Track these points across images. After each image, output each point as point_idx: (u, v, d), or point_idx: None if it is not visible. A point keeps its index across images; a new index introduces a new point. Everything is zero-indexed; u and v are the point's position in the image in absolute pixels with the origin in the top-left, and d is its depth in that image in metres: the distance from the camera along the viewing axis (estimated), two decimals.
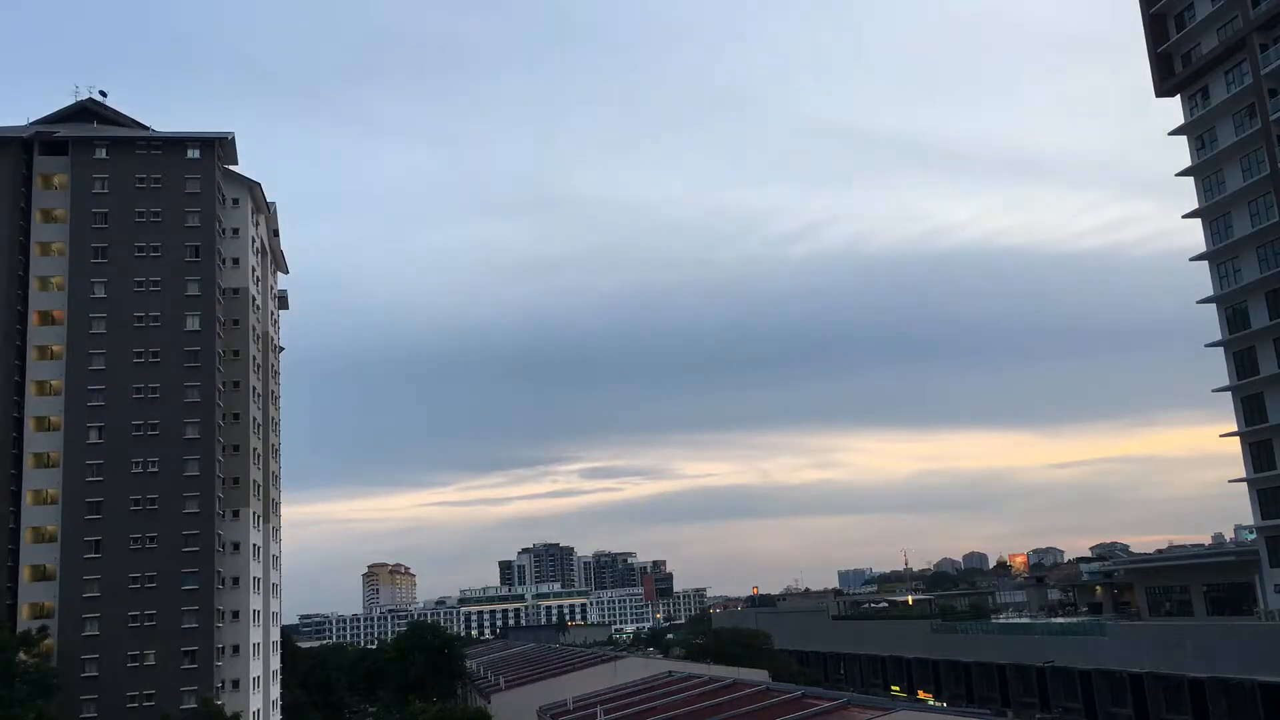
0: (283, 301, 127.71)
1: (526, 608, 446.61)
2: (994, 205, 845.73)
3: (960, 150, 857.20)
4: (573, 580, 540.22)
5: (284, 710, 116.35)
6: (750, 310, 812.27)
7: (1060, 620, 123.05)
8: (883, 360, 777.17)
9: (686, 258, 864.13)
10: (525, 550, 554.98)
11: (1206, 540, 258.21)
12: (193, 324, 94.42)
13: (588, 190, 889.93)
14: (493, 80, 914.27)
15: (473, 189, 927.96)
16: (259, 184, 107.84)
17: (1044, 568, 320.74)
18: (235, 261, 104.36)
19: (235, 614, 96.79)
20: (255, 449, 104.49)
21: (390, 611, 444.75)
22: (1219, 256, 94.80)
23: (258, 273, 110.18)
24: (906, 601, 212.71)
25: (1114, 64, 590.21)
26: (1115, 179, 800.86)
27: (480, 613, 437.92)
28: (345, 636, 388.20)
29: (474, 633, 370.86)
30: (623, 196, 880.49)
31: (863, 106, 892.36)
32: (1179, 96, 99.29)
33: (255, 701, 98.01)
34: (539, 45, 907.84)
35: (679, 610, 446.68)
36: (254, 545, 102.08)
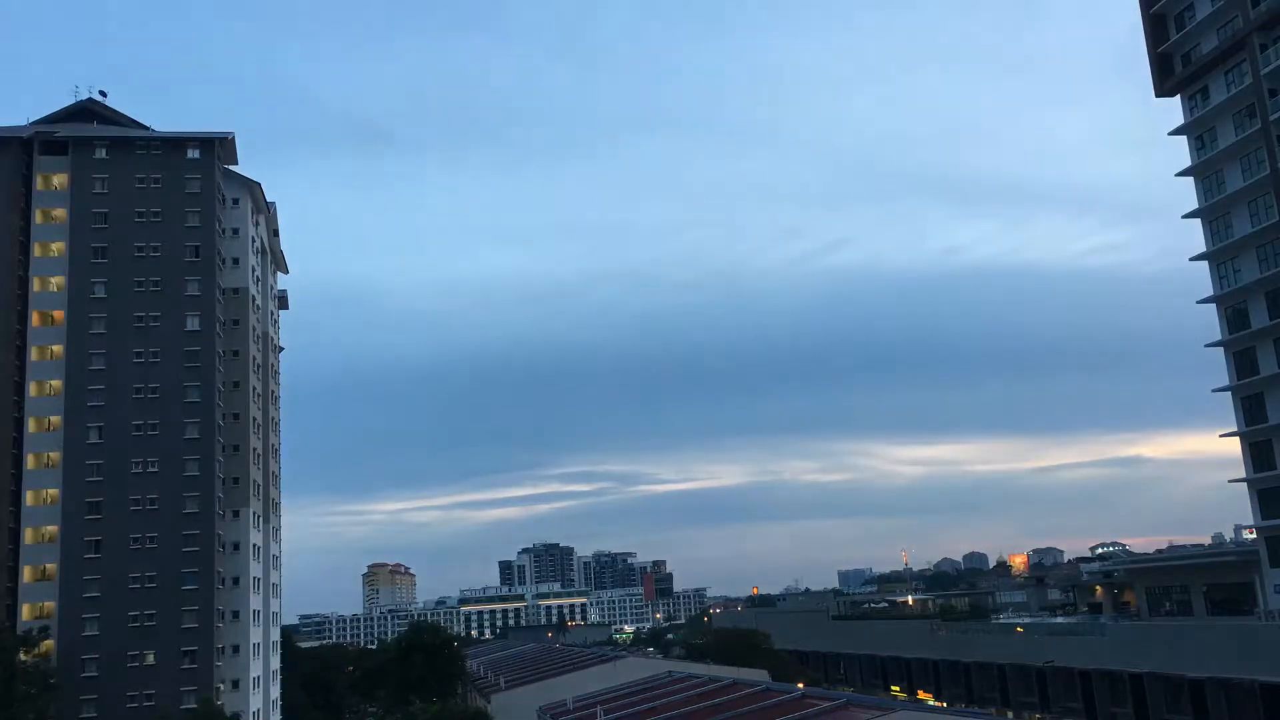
0: (283, 301, 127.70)
1: (526, 608, 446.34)
2: (1002, 226, 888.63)
3: (970, 175, 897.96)
4: (572, 580, 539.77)
5: (284, 710, 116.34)
6: (763, 325, 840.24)
7: (1060, 620, 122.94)
8: (893, 372, 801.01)
9: (703, 275, 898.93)
10: (525, 550, 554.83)
11: (1206, 540, 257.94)
12: (193, 324, 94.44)
13: (606, 215, 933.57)
14: (514, 112, 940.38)
15: (487, 216, 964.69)
16: (259, 184, 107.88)
17: (1044, 568, 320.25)
18: (235, 261, 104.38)
19: (235, 614, 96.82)
20: (255, 449, 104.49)
21: (390, 611, 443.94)
22: (1219, 256, 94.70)
23: (258, 273, 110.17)
24: (906, 601, 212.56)
25: (1118, 92, 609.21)
26: (1118, 201, 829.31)
27: (480, 613, 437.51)
28: (345, 636, 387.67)
29: (474, 633, 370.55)
30: (638, 220, 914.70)
31: (873, 134, 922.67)
32: (1179, 97, 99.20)
33: (255, 701, 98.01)
34: (565, 80, 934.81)
35: (679, 610, 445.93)
36: (254, 545, 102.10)
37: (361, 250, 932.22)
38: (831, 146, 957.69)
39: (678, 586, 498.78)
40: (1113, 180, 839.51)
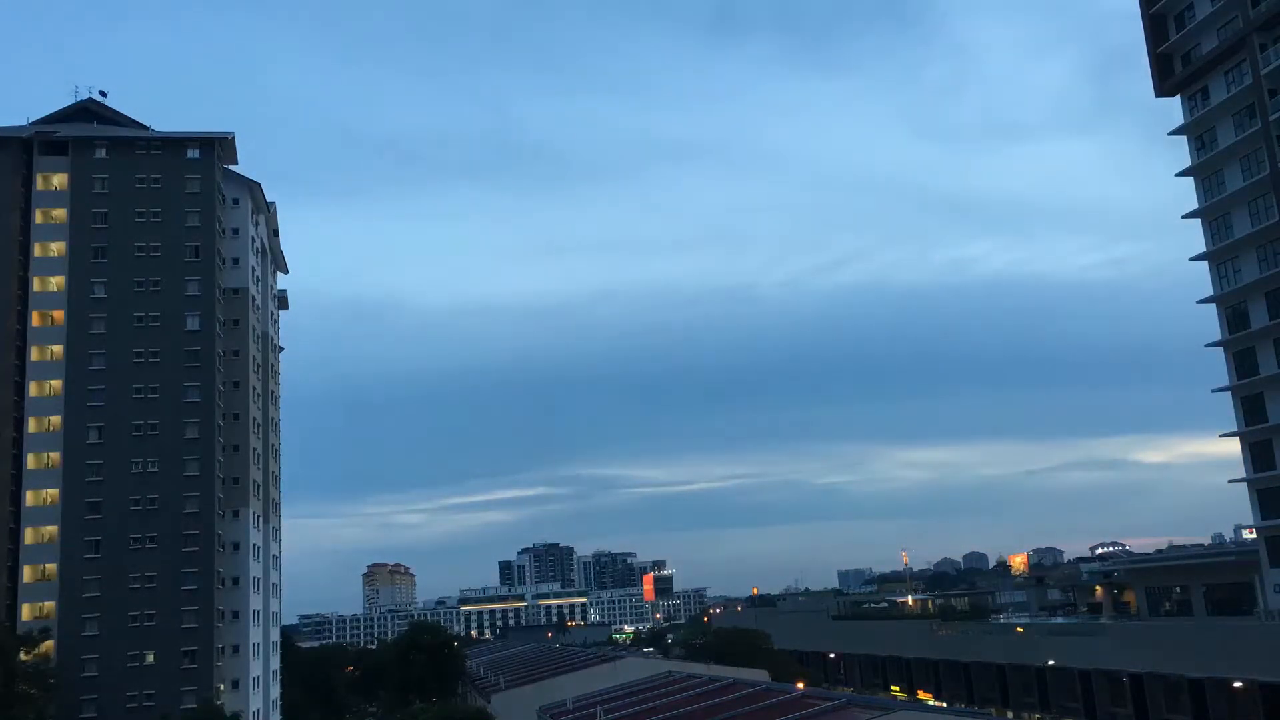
0: (283, 301, 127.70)
1: (526, 608, 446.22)
2: (1006, 243, 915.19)
3: (976, 193, 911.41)
4: (572, 580, 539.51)
5: (284, 710, 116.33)
6: (769, 333, 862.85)
7: (1060, 620, 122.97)
8: (896, 378, 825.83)
9: (713, 289, 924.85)
10: (525, 550, 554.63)
11: (1206, 540, 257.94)
12: (193, 324, 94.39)
13: (616, 235, 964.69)
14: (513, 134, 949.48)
15: (499, 235, 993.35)
16: (259, 184, 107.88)
17: (1044, 568, 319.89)
18: (235, 261, 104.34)
19: (235, 614, 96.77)
20: (255, 449, 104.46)
21: (390, 611, 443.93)
22: (1219, 256, 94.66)
23: (258, 273, 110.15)
24: (906, 601, 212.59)
25: (1123, 113, 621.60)
26: (1119, 219, 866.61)
27: (480, 613, 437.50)
28: (345, 636, 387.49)
29: (474, 633, 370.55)
30: (648, 240, 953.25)
31: (880, 155, 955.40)
32: (1179, 97, 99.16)
33: (255, 701, 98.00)
34: (582, 110, 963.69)
35: (679, 610, 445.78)
36: (254, 545, 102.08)
37: (376, 265, 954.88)
38: (839, 167, 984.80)
39: (678, 586, 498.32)
40: (1114, 199, 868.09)
